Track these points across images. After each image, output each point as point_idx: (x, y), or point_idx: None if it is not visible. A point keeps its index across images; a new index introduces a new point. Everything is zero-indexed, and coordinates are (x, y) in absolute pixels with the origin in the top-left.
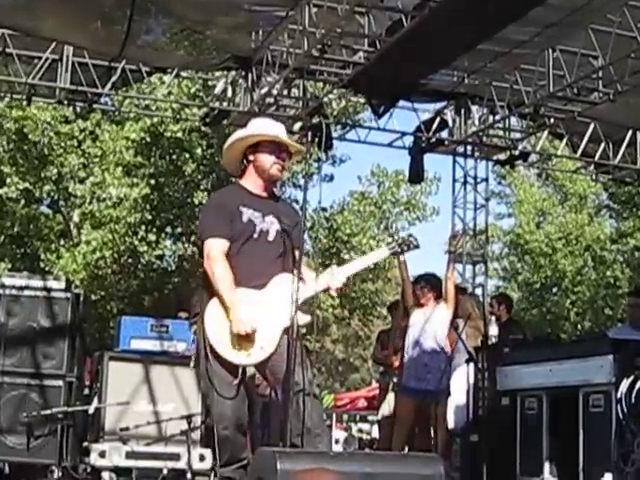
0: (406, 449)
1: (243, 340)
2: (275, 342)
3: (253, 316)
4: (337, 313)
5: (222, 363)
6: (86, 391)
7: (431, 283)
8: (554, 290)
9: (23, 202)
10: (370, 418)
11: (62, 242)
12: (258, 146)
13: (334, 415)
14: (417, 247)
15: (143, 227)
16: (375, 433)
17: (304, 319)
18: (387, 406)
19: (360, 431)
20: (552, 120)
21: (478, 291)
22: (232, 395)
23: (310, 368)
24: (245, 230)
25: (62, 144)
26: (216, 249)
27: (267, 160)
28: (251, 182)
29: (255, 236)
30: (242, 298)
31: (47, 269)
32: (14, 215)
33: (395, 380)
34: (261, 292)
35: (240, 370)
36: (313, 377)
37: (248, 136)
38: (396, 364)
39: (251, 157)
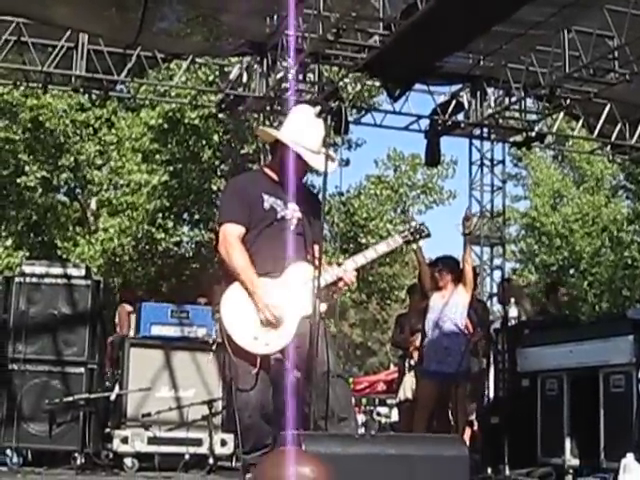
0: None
1: (266, 326)
2: (292, 331)
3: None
4: (355, 297)
5: (240, 353)
6: (106, 378)
7: (449, 266)
8: (571, 272)
9: (40, 190)
10: (389, 402)
11: (79, 230)
12: (287, 147)
13: (352, 399)
14: (428, 236)
15: (161, 214)
16: (394, 416)
17: (322, 308)
18: (405, 389)
19: (379, 414)
20: (568, 101)
21: (496, 273)
22: (252, 384)
23: (335, 351)
24: (266, 217)
25: (78, 132)
26: (232, 234)
27: (287, 166)
28: (275, 170)
29: (275, 223)
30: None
31: (64, 257)
32: (32, 204)
33: (412, 363)
34: (277, 281)
35: (259, 359)
36: (338, 358)
37: (285, 140)
38: (414, 345)
39: (279, 151)
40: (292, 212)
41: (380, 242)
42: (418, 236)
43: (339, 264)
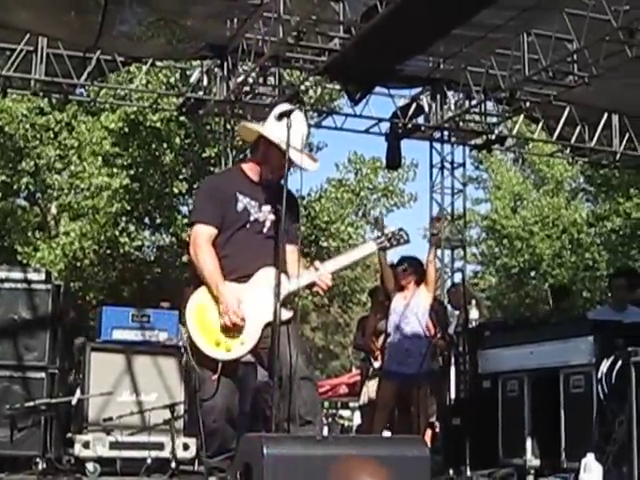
0: (387, 433)
1: (230, 330)
2: (256, 337)
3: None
4: (316, 301)
5: (202, 358)
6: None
7: (413, 266)
8: (532, 274)
9: (0, 195)
10: (351, 405)
11: (39, 235)
12: (270, 145)
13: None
14: (407, 242)
15: (122, 218)
16: (357, 419)
17: (286, 315)
18: (368, 392)
19: (341, 417)
20: (528, 104)
21: (457, 276)
22: (214, 391)
23: (305, 354)
24: (238, 219)
25: (38, 136)
26: (201, 235)
27: (269, 165)
28: (255, 168)
29: (248, 226)
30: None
31: (25, 262)
32: None
33: (375, 366)
34: (245, 286)
35: (220, 365)
36: (308, 361)
37: (275, 141)
38: (376, 347)
39: (260, 148)
40: (266, 214)
41: (353, 248)
42: (396, 242)
43: (316, 268)
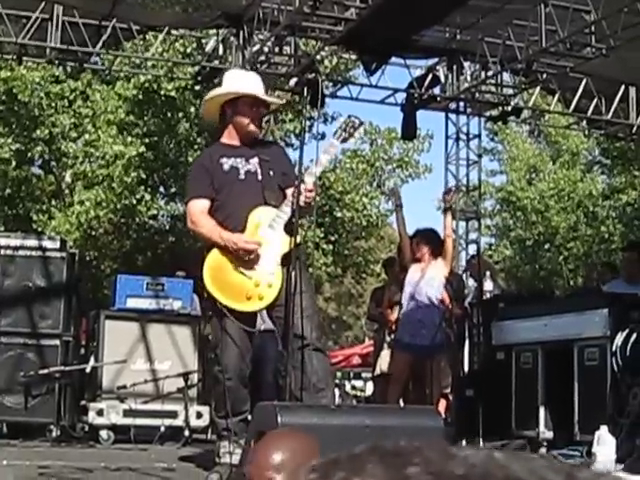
0: (401, 404)
1: (250, 262)
2: (279, 275)
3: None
4: (330, 271)
5: (228, 323)
6: (82, 350)
7: (427, 238)
8: (547, 246)
9: (14, 163)
10: (364, 375)
11: (54, 203)
12: (237, 102)
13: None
14: (361, 123)
15: (137, 187)
16: (369, 390)
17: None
18: (382, 363)
19: (354, 388)
20: (544, 76)
21: (471, 247)
22: (233, 356)
23: (317, 323)
24: (229, 178)
25: (53, 104)
26: (195, 209)
27: (245, 118)
28: (231, 137)
29: (242, 177)
30: None
31: (40, 230)
32: (5, 177)
33: (391, 337)
34: (245, 233)
35: (258, 317)
36: (320, 332)
37: (228, 93)
38: (391, 318)
39: (229, 112)
40: (255, 165)
41: (320, 155)
42: (352, 130)
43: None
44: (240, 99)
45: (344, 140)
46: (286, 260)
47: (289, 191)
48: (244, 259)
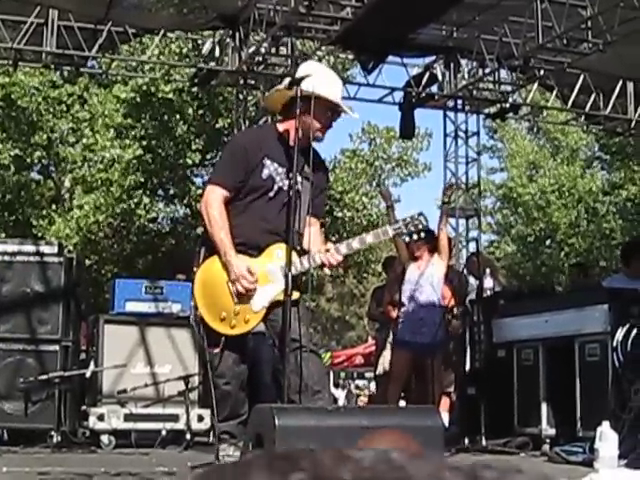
0: (402, 403)
1: (243, 296)
2: (259, 317)
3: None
4: (332, 271)
5: (208, 330)
6: (82, 356)
7: (425, 236)
8: (548, 243)
9: (13, 169)
10: (367, 375)
11: (54, 208)
12: (314, 101)
13: (331, 373)
14: (425, 229)
15: (136, 190)
16: (373, 389)
17: (294, 295)
18: (385, 362)
19: (357, 388)
20: (542, 72)
21: (472, 245)
22: (218, 360)
23: (309, 325)
24: (261, 186)
25: (51, 109)
26: (215, 195)
27: (317, 122)
28: (289, 129)
29: (271, 194)
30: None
31: (40, 235)
32: (5, 182)
33: (392, 336)
34: (254, 260)
35: (223, 339)
36: (311, 334)
37: (313, 93)
38: (393, 315)
39: (306, 105)
40: (291, 183)
41: (369, 233)
42: (413, 229)
43: (327, 250)
44: (318, 99)
45: (399, 234)
46: (276, 305)
47: (315, 225)
48: (237, 290)
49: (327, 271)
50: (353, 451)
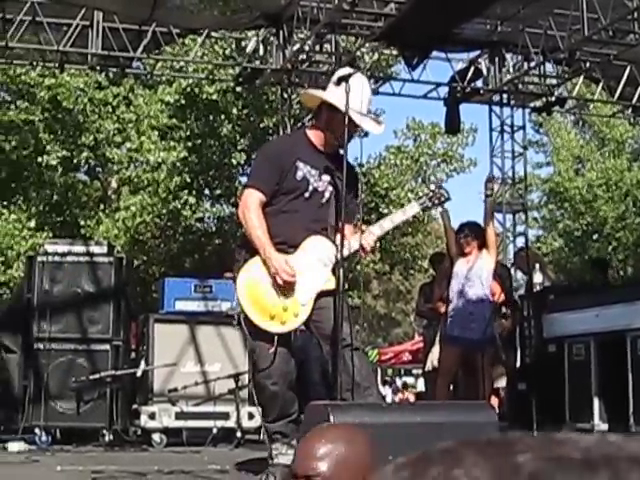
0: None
1: (284, 290)
2: (309, 308)
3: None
4: (378, 268)
5: (257, 332)
6: (132, 355)
7: (473, 231)
8: (595, 237)
9: (61, 170)
10: (415, 372)
11: (101, 208)
12: (335, 111)
13: (379, 370)
14: (448, 199)
15: (185, 191)
16: (420, 386)
17: (331, 284)
18: (432, 359)
19: (405, 385)
20: (588, 64)
21: (519, 240)
22: (271, 361)
23: (351, 324)
24: (296, 188)
25: (96, 110)
26: (252, 198)
27: (333, 133)
28: (318, 135)
29: (307, 195)
30: None
31: (87, 236)
32: (52, 184)
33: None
34: (294, 256)
35: (276, 337)
36: (356, 332)
37: (335, 104)
38: (443, 311)
39: (324, 115)
40: (325, 184)
41: (396, 211)
42: (437, 201)
43: (362, 231)
44: (337, 110)
45: (425, 208)
46: (321, 297)
47: (349, 230)
48: (278, 283)
49: (372, 267)
50: (558, 434)
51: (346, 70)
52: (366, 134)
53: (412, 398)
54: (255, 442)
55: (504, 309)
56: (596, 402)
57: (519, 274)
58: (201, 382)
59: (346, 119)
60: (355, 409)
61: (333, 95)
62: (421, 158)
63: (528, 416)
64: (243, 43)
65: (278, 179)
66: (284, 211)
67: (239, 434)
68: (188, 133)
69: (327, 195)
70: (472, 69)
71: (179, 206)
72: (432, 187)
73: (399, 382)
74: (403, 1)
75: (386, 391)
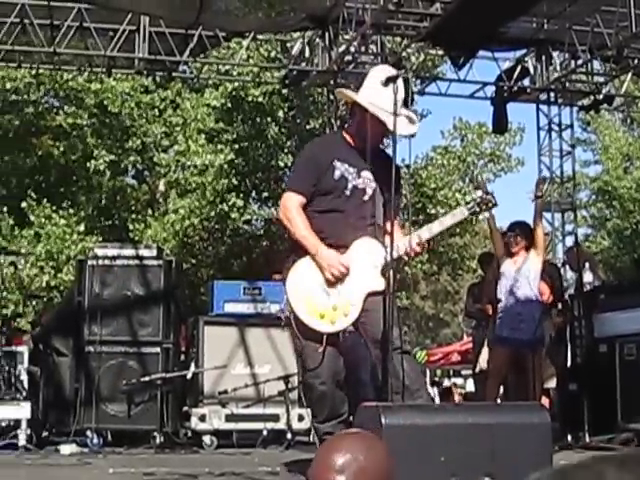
0: (499, 401)
1: (335, 284)
2: (358, 308)
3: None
4: (426, 269)
5: (306, 331)
6: (182, 357)
7: (523, 231)
8: None
9: (109, 174)
10: (464, 372)
11: (149, 212)
12: (367, 111)
13: (427, 371)
14: (495, 205)
15: (232, 193)
16: (470, 387)
17: (383, 285)
18: (482, 360)
19: (455, 385)
20: (636, 61)
21: (568, 239)
22: (319, 361)
23: (400, 324)
24: (336, 187)
25: (144, 114)
26: (291, 201)
27: (371, 129)
28: (354, 133)
29: (347, 193)
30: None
31: (136, 239)
32: (101, 188)
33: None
34: (343, 256)
35: (325, 337)
36: (406, 332)
37: (362, 104)
38: (491, 312)
39: (357, 114)
40: (365, 181)
41: (446, 215)
42: (485, 207)
43: (414, 222)
44: (366, 110)
45: (473, 213)
46: (370, 298)
47: (398, 229)
48: (329, 279)
49: (420, 268)
50: None
51: (385, 70)
52: (413, 134)
53: (458, 399)
54: (305, 444)
55: (558, 307)
56: None
57: (569, 273)
58: (251, 384)
59: (368, 116)
60: (406, 410)
61: (361, 94)
62: (468, 158)
63: (579, 417)
64: (289, 45)
65: (315, 180)
66: (327, 210)
67: (289, 436)
68: (235, 136)
69: (369, 192)
70: (519, 68)
71: (227, 209)
72: (480, 193)
73: (447, 383)
74: (449, 1)
75: (434, 392)
